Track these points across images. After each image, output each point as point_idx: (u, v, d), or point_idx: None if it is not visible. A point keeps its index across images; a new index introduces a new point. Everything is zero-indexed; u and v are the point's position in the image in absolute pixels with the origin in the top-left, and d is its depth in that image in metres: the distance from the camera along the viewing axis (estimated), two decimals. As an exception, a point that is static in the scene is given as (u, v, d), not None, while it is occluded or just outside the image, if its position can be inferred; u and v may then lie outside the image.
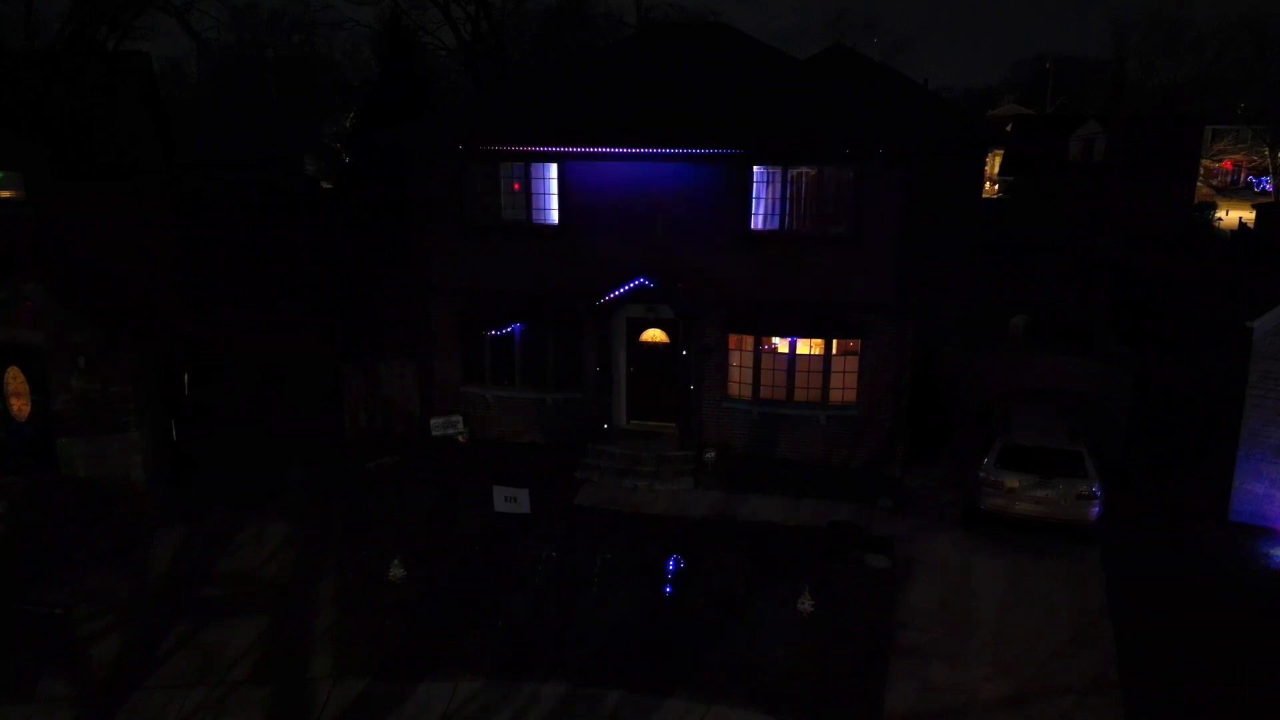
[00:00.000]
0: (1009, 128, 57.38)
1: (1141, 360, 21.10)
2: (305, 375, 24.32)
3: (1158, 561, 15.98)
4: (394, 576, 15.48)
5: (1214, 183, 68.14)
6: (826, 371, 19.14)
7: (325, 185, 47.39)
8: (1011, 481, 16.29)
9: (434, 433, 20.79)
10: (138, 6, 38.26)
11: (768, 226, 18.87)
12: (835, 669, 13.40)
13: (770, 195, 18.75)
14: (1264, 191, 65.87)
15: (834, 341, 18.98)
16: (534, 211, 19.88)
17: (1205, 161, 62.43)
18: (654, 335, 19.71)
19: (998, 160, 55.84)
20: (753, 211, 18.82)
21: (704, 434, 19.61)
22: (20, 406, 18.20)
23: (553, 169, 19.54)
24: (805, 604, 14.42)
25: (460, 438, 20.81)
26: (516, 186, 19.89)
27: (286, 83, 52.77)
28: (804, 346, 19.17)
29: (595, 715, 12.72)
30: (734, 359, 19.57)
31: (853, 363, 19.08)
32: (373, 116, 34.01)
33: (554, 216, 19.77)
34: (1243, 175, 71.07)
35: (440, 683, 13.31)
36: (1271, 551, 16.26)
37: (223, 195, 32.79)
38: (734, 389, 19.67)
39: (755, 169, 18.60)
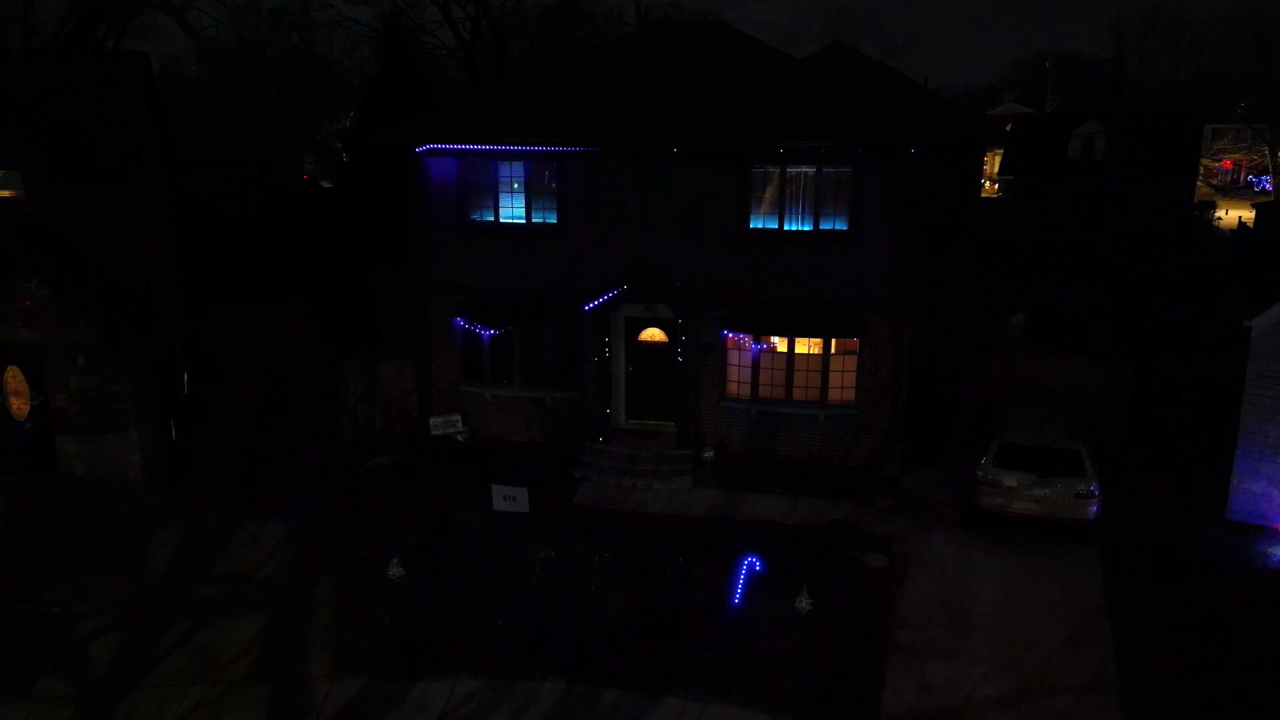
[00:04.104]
0: (1008, 127, 57.29)
1: (1140, 359, 21.10)
2: (304, 374, 24.35)
3: (1156, 560, 15.99)
4: (392, 575, 15.51)
5: (1214, 181, 68.09)
6: (825, 370, 19.15)
7: (325, 184, 47.38)
8: (1010, 480, 16.29)
9: (433, 431, 20.80)
10: (137, 5, 38.20)
11: (766, 225, 18.88)
12: (833, 667, 13.41)
13: (768, 194, 18.76)
14: (1264, 190, 65.81)
15: (833, 340, 18.99)
16: (532, 210, 19.89)
17: (1205, 160, 62.38)
18: (652, 334, 19.71)
19: (997, 159, 55.78)
20: (751, 210, 18.84)
21: (702, 433, 19.63)
22: (19, 405, 18.22)
23: (551, 167, 19.55)
24: (803, 603, 14.44)
25: (459, 436, 20.82)
26: (515, 185, 19.90)
27: (286, 82, 52.69)
28: (802, 345, 19.17)
29: (593, 713, 12.74)
30: (732, 358, 19.58)
31: (851, 362, 19.09)
32: (372, 116, 33.96)
33: (553, 215, 19.79)
34: (1242, 174, 71.00)
35: (438, 681, 13.34)
36: (1269, 550, 16.27)
37: (222, 194, 32.79)
38: (732, 388, 19.68)
39: (753, 167, 18.61)
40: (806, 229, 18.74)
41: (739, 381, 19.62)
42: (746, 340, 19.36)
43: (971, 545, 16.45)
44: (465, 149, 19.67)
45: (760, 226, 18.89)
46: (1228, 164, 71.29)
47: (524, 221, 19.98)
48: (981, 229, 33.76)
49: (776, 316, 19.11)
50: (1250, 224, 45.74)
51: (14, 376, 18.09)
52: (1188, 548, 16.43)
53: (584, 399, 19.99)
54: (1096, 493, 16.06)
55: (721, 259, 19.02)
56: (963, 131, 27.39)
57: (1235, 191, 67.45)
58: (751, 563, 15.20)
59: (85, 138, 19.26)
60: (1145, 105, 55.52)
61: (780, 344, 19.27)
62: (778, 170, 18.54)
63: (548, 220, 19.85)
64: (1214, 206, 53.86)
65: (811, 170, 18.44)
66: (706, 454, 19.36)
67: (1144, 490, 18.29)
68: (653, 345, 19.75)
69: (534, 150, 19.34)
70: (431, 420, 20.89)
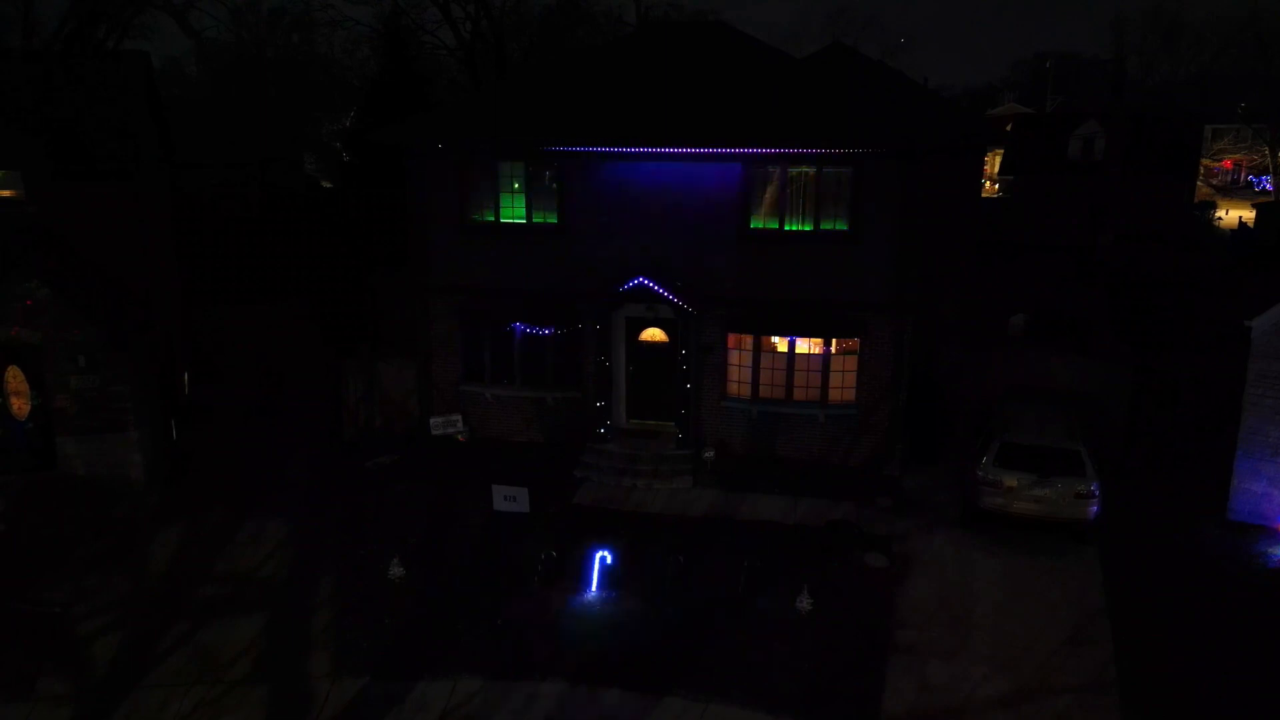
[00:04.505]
0: (1009, 127, 57.30)
1: (1140, 359, 21.11)
2: (304, 374, 24.35)
3: (1156, 560, 15.99)
4: (393, 575, 15.50)
5: (1214, 181, 68.10)
6: (825, 370, 19.15)
7: (325, 185, 47.39)
8: (1010, 480, 16.29)
9: (434, 431, 20.79)
10: (137, 5, 38.22)
11: (767, 225, 18.88)
12: (834, 667, 13.41)
13: (769, 194, 18.76)
14: (1264, 190, 65.82)
15: (833, 340, 19.00)
16: (533, 210, 19.89)
17: (1205, 160, 62.37)
18: (653, 334, 19.72)
19: (997, 160, 55.78)
20: (751, 210, 18.84)
21: (703, 433, 19.63)
22: (20, 405, 18.21)
23: (551, 168, 19.55)
24: (804, 602, 14.44)
25: (460, 436, 20.82)
26: (515, 185, 19.91)
27: (286, 82, 52.69)
28: (803, 345, 19.18)
29: (593, 713, 12.73)
30: (733, 358, 19.58)
31: (852, 361, 19.10)
32: (372, 116, 33.98)
33: (553, 215, 19.78)
34: (1243, 174, 71.00)
35: (439, 681, 13.33)
36: (1270, 550, 16.27)
37: (222, 194, 32.80)
38: (733, 388, 19.68)
39: (754, 168, 18.60)
40: (807, 229, 18.74)
41: (739, 381, 19.62)
42: (747, 340, 19.36)
43: (972, 545, 16.45)
44: (465, 149, 19.67)
45: (760, 226, 18.89)
46: (1228, 164, 71.29)
47: (524, 221, 19.98)
48: (981, 229, 33.71)
49: (777, 316, 19.11)
50: (1250, 224, 45.77)
51: (14, 376, 18.08)
52: (1188, 548, 16.43)
53: (584, 399, 20.00)
54: (1097, 493, 16.06)
55: (722, 258, 19.02)
56: (963, 131, 27.36)
57: (1235, 191, 67.45)
58: (752, 562, 15.19)
59: (85, 138, 19.26)
60: (1145, 105, 55.50)
61: (780, 344, 19.27)
62: (778, 170, 18.55)
63: (548, 220, 19.85)
64: (1214, 206, 53.86)
65: (812, 170, 18.44)
66: (707, 454, 19.36)
67: (1144, 490, 18.29)
68: (653, 345, 19.75)
69: (534, 150, 19.33)
70: (432, 420, 20.88)
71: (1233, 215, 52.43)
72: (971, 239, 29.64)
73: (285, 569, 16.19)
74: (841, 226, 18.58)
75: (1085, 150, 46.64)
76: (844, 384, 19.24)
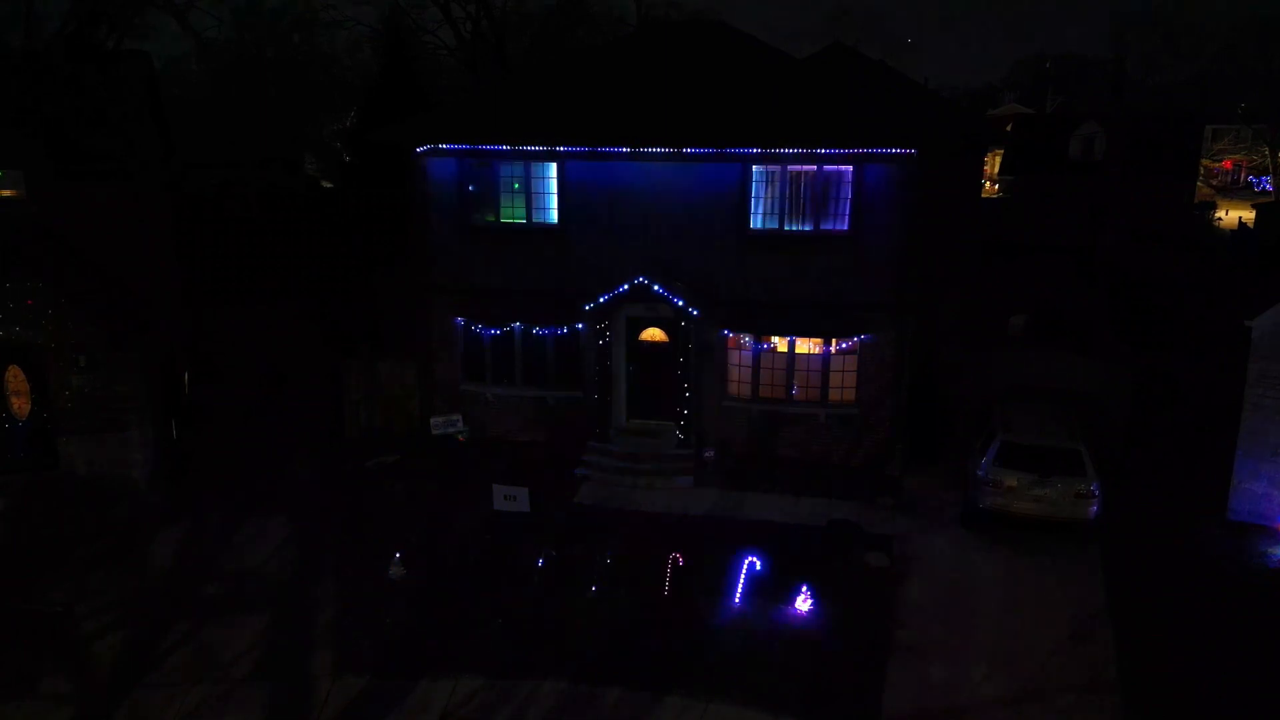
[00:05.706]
0: (1009, 127, 57.35)
1: (1141, 359, 21.13)
2: (304, 374, 24.36)
3: (1157, 560, 16.00)
4: (394, 574, 15.51)
5: (1214, 182, 68.07)
6: (826, 370, 19.17)
7: (325, 185, 47.40)
8: (1011, 480, 16.30)
9: (434, 431, 20.79)
10: (137, 5, 38.18)
11: (767, 225, 18.90)
12: (834, 667, 13.41)
13: (770, 194, 18.78)
14: (1264, 191, 65.80)
15: (833, 340, 19.01)
16: (533, 210, 19.90)
17: (1205, 161, 62.37)
18: (654, 334, 19.73)
19: (998, 160, 55.84)
20: (752, 210, 18.86)
21: (703, 433, 19.64)
22: (21, 405, 18.23)
23: (552, 168, 19.56)
24: (804, 602, 14.45)
25: (460, 436, 20.83)
26: (516, 185, 19.92)
27: (286, 82, 52.62)
28: (803, 345, 19.20)
29: (594, 713, 12.74)
30: (733, 358, 19.60)
31: (852, 361, 19.12)
32: (373, 116, 34.00)
33: (553, 215, 19.80)
34: (1243, 175, 70.98)
35: (440, 680, 13.33)
36: (1270, 550, 16.29)
37: (222, 194, 32.84)
38: (733, 388, 19.70)
39: (754, 168, 18.63)
40: (807, 229, 18.76)
41: (740, 381, 19.64)
42: (747, 340, 19.39)
43: (972, 545, 16.46)
44: (466, 149, 19.67)
45: (761, 226, 18.91)
46: (1228, 164, 71.27)
47: (525, 221, 19.99)
48: (981, 229, 33.78)
49: (777, 316, 19.12)
50: (1250, 224, 45.81)
51: (15, 376, 18.10)
52: (1188, 548, 16.45)
53: (585, 399, 20.01)
54: (1097, 492, 16.08)
55: (723, 259, 19.04)
56: (963, 132, 27.41)
57: (1235, 192, 67.44)
58: (752, 562, 15.20)
59: (87, 138, 19.30)
60: (1145, 105, 55.53)
61: (781, 344, 19.28)
62: (778, 170, 18.56)
63: (548, 220, 19.86)
64: (1214, 207, 53.90)
65: (812, 169, 18.46)
66: (707, 454, 19.37)
67: (1144, 490, 18.30)
68: (654, 345, 19.76)
69: (534, 150, 19.34)
70: (433, 420, 20.89)
71: (1233, 215, 52.46)
72: (971, 239, 29.67)
73: (286, 568, 16.20)
74: (841, 226, 18.59)
75: (1085, 150, 46.69)
76: (844, 384, 19.26)
